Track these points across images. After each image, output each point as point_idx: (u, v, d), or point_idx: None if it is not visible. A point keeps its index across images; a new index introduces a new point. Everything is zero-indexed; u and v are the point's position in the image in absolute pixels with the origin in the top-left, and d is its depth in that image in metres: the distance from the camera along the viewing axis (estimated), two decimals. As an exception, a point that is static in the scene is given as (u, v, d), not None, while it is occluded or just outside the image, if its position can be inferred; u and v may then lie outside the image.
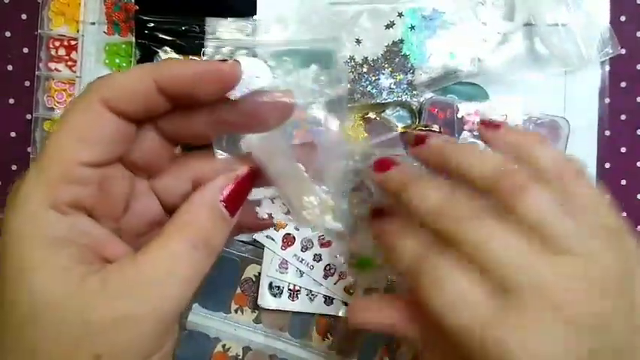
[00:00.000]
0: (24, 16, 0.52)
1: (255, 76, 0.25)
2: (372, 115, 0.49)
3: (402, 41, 0.47)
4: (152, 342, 0.23)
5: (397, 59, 0.47)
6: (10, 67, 0.53)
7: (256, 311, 0.50)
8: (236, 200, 0.26)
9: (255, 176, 0.27)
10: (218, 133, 0.27)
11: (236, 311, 0.50)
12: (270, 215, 0.28)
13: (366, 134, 0.48)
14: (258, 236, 0.49)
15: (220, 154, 0.28)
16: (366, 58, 0.46)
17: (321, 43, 0.30)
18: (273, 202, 0.28)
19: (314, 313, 0.50)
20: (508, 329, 0.23)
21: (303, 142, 0.28)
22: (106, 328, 0.22)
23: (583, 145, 0.48)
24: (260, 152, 0.27)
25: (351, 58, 0.46)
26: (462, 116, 0.48)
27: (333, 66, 0.30)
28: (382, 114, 0.49)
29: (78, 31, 0.51)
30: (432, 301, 0.25)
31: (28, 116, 0.52)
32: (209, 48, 0.27)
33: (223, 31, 0.28)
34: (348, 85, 0.47)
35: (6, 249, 0.23)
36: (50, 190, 0.23)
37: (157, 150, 0.27)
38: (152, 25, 0.49)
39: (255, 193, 0.28)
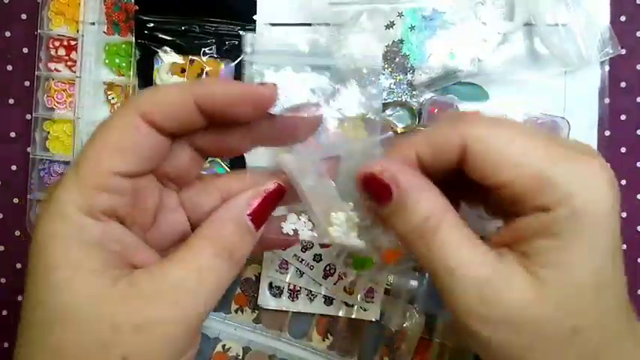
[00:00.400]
0: (24, 16, 0.52)
1: (294, 91, 0.26)
2: (371, 115, 0.49)
3: (402, 41, 0.47)
4: (177, 346, 0.24)
5: (397, 59, 0.47)
6: (10, 67, 0.53)
7: (256, 311, 0.50)
8: (262, 214, 0.26)
9: (283, 192, 0.27)
10: (251, 147, 0.28)
11: (236, 311, 0.50)
12: (295, 232, 0.29)
13: (365, 134, 0.48)
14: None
15: (252, 168, 0.28)
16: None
17: (361, 63, 0.31)
18: (299, 219, 0.29)
19: (314, 313, 0.50)
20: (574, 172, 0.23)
21: (329, 155, 0.29)
22: (134, 331, 0.22)
23: (583, 145, 0.48)
24: (293, 168, 0.28)
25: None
26: (462, 116, 0.48)
27: (371, 84, 0.31)
28: (382, 114, 0.49)
29: (78, 31, 0.51)
30: (495, 155, 0.24)
31: (28, 116, 0.52)
32: (247, 63, 0.28)
33: (261, 45, 0.29)
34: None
35: (38, 249, 0.23)
36: (86, 196, 0.23)
37: (189, 162, 0.28)
38: (152, 25, 0.49)
39: (281, 209, 0.29)
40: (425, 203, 0.25)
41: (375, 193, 0.26)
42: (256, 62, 0.28)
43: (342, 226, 0.28)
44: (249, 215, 0.26)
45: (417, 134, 0.27)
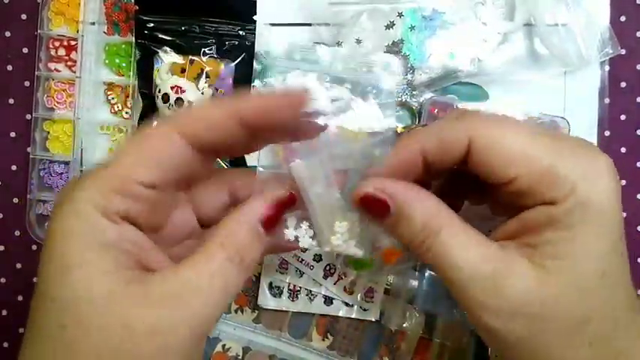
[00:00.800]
0: (24, 16, 0.52)
1: (313, 98, 0.27)
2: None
3: (402, 41, 0.47)
4: (185, 351, 0.24)
5: (397, 59, 0.47)
6: (10, 67, 0.53)
7: (256, 311, 0.50)
8: (273, 221, 0.27)
9: (294, 200, 0.28)
10: (263, 146, 0.29)
11: (236, 311, 0.50)
12: (296, 238, 0.29)
13: (365, 133, 0.48)
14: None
15: (261, 170, 0.29)
16: (366, 58, 0.46)
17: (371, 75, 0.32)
18: (300, 226, 0.29)
19: (314, 313, 0.50)
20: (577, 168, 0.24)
21: (339, 169, 0.30)
22: (145, 332, 0.22)
23: (583, 145, 0.48)
24: (305, 176, 0.28)
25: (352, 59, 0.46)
26: (462, 116, 0.48)
27: (385, 97, 0.32)
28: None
29: (78, 32, 0.51)
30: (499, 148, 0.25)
31: (28, 116, 0.52)
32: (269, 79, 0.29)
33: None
34: (349, 85, 0.47)
35: (53, 246, 0.23)
36: (105, 198, 0.24)
37: (200, 163, 0.28)
38: (152, 25, 0.49)
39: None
40: (422, 210, 0.26)
41: (374, 210, 0.27)
42: (278, 66, 0.29)
43: (344, 235, 0.29)
44: (260, 221, 0.26)
45: (423, 130, 0.28)
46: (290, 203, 0.28)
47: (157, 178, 0.25)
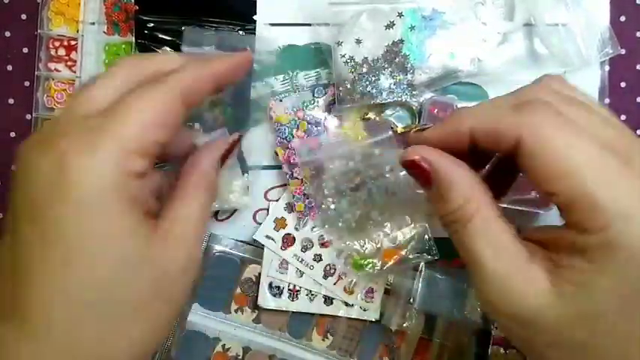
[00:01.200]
0: (24, 16, 0.52)
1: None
2: (371, 115, 0.49)
3: (401, 41, 0.47)
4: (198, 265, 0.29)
5: (397, 59, 0.47)
6: (10, 67, 0.53)
7: (256, 311, 0.50)
8: (227, 157, 0.33)
9: (240, 138, 0.35)
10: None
11: (236, 311, 0.50)
12: None
13: (365, 134, 0.48)
14: (258, 236, 0.49)
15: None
16: (366, 58, 0.46)
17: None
18: None
19: (314, 313, 0.50)
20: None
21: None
22: (178, 275, 0.27)
23: (583, 145, 0.48)
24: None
25: (351, 58, 0.46)
26: (462, 116, 0.48)
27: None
28: (382, 114, 0.49)
29: (78, 31, 0.51)
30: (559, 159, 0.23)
31: (28, 116, 0.52)
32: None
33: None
34: (348, 85, 0.47)
35: (83, 209, 0.24)
36: (127, 159, 0.25)
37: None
38: (152, 25, 0.49)
39: None
40: (460, 193, 0.26)
41: (417, 176, 0.28)
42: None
43: (239, 191, 0.36)
44: (220, 158, 0.32)
45: (478, 108, 0.28)
46: (237, 143, 0.34)
47: (166, 137, 0.27)
